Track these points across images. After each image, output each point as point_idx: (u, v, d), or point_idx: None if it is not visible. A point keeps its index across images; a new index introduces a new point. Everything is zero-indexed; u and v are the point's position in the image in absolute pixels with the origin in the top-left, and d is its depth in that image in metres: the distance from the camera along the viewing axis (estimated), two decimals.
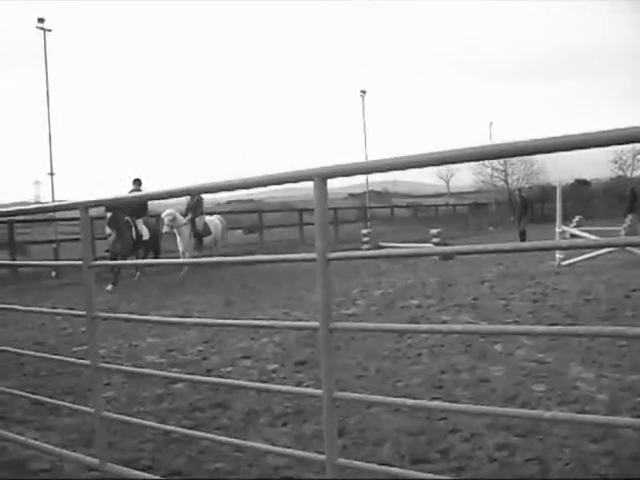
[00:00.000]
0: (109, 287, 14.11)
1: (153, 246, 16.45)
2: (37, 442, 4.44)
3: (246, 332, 8.38)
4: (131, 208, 15.45)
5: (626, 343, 6.76)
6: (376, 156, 2.82)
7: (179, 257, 16.14)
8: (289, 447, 4.10)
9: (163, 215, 16.14)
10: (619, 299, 9.77)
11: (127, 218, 15.37)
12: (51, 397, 5.25)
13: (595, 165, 60.51)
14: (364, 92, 44.54)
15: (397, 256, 3.54)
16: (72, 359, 5.39)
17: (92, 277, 3.92)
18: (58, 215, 21.46)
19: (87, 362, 3.92)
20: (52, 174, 26.19)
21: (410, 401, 3.14)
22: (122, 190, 15.93)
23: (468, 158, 2.56)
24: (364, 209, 40.62)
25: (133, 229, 15.54)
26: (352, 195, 70.10)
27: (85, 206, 3.82)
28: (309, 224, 26.52)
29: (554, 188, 18.09)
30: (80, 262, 3.89)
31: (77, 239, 15.90)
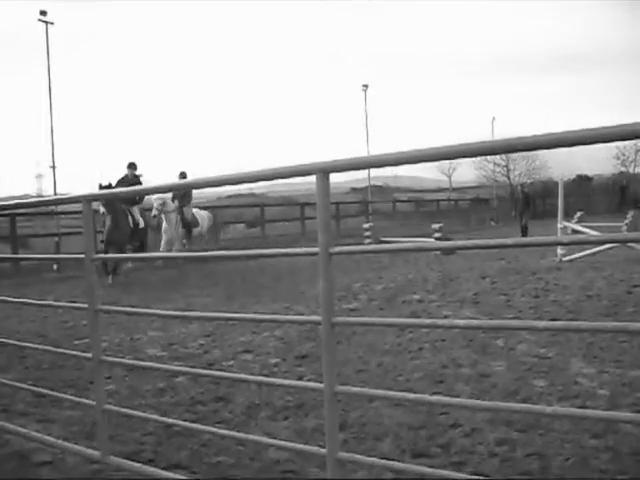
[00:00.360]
0: (109, 279, 13.96)
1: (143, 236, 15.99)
2: (39, 434, 4.46)
3: (247, 326, 8.39)
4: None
5: (627, 339, 6.76)
6: (378, 151, 2.82)
7: (162, 247, 16.04)
8: (290, 441, 4.11)
9: (153, 199, 15.91)
10: (620, 295, 9.77)
11: (123, 206, 14.89)
12: (53, 390, 5.27)
13: (597, 161, 60.45)
14: (366, 86, 44.52)
15: (399, 250, 3.53)
16: (74, 352, 5.40)
17: (94, 270, 3.93)
18: (60, 208, 21.49)
19: (89, 355, 3.93)
20: (54, 167, 26.24)
21: (411, 395, 3.15)
22: (119, 176, 15.35)
23: (472, 153, 2.56)
24: (366, 203, 40.63)
25: (130, 217, 14.99)
26: (354, 189, 70.07)
27: (87, 199, 3.83)
28: (311, 218, 26.54)
29: (556, 184, 18.09)
30: (82, 255, 3.90)
31: (79, 232, 15.92)
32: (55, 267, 17.64)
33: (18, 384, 5.20)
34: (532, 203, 28.93)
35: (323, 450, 2.89)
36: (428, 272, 13.81)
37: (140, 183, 14.90)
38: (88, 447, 4.08)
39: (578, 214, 23.01)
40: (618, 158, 62.07)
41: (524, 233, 24.65)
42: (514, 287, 11.04)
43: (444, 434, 4.49)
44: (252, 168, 3.21)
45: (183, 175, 16.61)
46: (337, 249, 2.82)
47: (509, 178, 61.59)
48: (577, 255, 14.87)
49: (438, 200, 48.47)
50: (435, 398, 3.24)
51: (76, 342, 7.90)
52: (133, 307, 9.26)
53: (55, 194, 25.00)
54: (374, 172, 47.63)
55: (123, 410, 4.21)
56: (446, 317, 8.71)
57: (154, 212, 15.69)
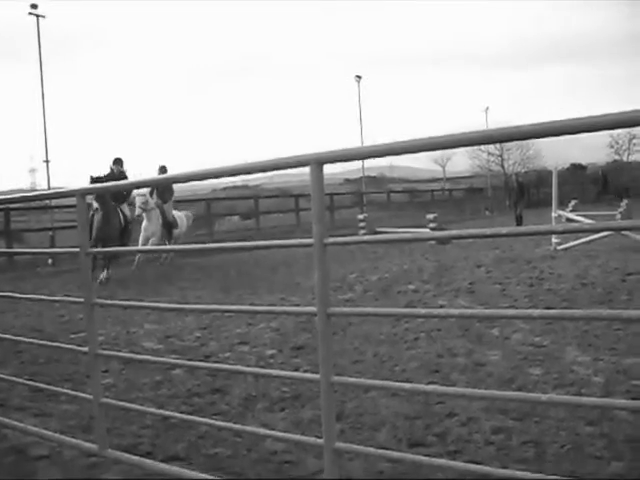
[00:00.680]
0: (102, 275, 13.20)
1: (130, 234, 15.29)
2: (36, 428, 4.46)
3: (243, 318, 8.40)
4: (114, 193, 13.94)
5: (621, 327, 6.79)
6: (372, 141, 2.82)
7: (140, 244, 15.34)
8: (287, 432, 4.12)
9: (136, 197, 15.04)
10: (615, 283, 9.81)
11: (113, 202, 14.11)
12: (49, 384, 5.27)
13: (591, 150, 60.54)
14: (359, 77, 44.49)
15: (393, 241, 3.54)
16: (70, 346, 5.40)
17: (89, 264, 3.93)
18: (54, 202, 21.44)
19: (85, 349, 3.93)
20: (47, 161, 26.18)
21: (407, 385, 3.16)
22: (104, 171, 14.37)
23: (466, 142, 2.56)
24: (360, 194, 40.61)
25: (120, 214, 14.29)
26: (348, 180, 70.06)
27: (82, 193, 3.82)
28: (305, 210, 26.52)
29: (550, 173, 18.12)
30: (77, 249, 3.90)
31: (73, 226, 15.87)
32: (50, 261, 17.61)
33: (14, 379, 5.20)
34: (526, 192, 28.96)
35: (320, 440, 2.90)
36: (423, 262, 13.83)
37: (127, 179, 13.99)
38: (85, 440, 4.08)
39: (572, 203, 23.03)
40: (612, 147, 62.13)
41: (519, 222, 24.69)
42: (509, 276, 11.07)
43: (440, 423, 4.51)
44: (246, 160, 3.21)
45: (163, 169, 15.94)
46: (332, 240, 2.83)
47: (503, 167, 61.62)
48: (572, 244, 14.91)
49: (432, 190, 48.46)
50: (431, 387, 3.26)
51: (72, 336, 7.90)
52: (128, 301, 9.27)
53: (49, 188, 24.96)
54: (368, 163, 47.70)
55: (120, 403, 4.22)
56: (441, 307, 8.73)
57: (137, 211, 15.01)
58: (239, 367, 5.34)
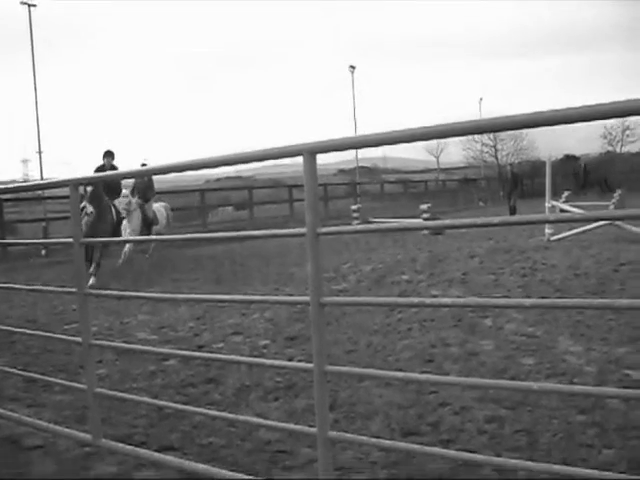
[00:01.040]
0: (91, 281, 11.86)
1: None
2: (30, 419, 4.47)
3: (237, 308, 8.41)
4: (107, 188, 13.34)
5: (614, 317, 6.82)
6: (366, 131, 2.82)
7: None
8: (281, 421, 4.14)
9: (120, 199, 14.15)
10: (608, 273, 9.84)
11: (106, 199, 13.35)
12: (43, 374, 5.28)
13: (584, 140, 60.63)
14: (353, 67, 44.46)
15: (386, 230, 3.55)
16: (64, 336, 5.40)
17: (83, 254, 3.93)
18: (47, 193, 21.39)
19: (79, 339, 3.94)
20: (40, 152, 26.11)
21: (400, 374, 3.18)
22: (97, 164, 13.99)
23: (459, 132, 2.57)
24: (354, 185, 40.62)
25: (113, 211, 13.58)
26: (342, 171, 70.10)
27: (75, 183, 3.82)
28: (299, 200, 26.53)
29: (543, 163, 18.13)
30: (70, 239, 3.89)
31: (66, 217, 15.82)
32: (43, 252, 17.58)
33: (8, 369, 5.21)
34: (520, 183, 29.00)
35: (313, 429, 2.91)
36: (417, 252, 13.84)
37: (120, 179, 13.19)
38: (80, 431, 4.10)
39: (566, 193, 23.07)
40: (605, 137, 62.31)
41: (512, 213, 24.75)
42: (502, 266, 11.09)
43: (433, 413, 4.53)
44: (239, 150, 3.21)
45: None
46: (325, 229, 2.83)
47: (497, 158, 61.76)
48: (565, 234, 14.94)
49: (426, 181, 48.50)
50: (424, 376, 3.27)
51: (66, 327, 7.90)
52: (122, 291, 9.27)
53: (42, 179, 24.90)
54: (362, 154, 47.78)
55: (114, 393, 4.23)
56: (435, 297, 8.75)
57: (123, 214, 14.14)
58: (233, 357, 5.35)
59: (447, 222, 2.72)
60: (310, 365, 2.89)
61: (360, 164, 48.59)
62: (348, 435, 3.17)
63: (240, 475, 3.29)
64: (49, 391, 5.40)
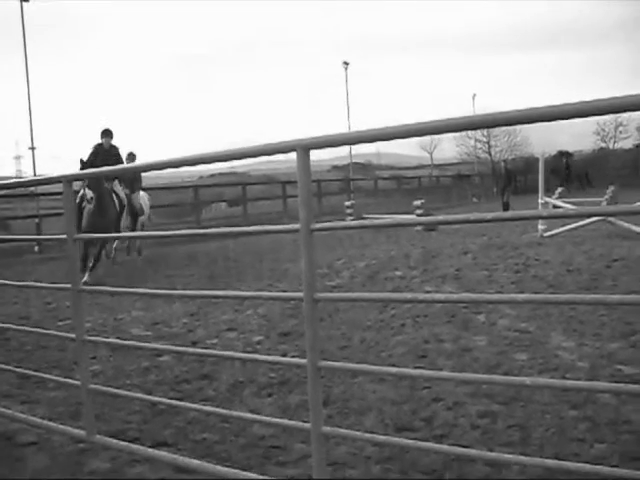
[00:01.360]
0: (86, 277, 11.39)
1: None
2: (24, 415, 4.47)
3: (230, 304, 8.41)
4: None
5: (606, 312, 6.86)
6: (359, 128, 2.83)
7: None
8: (274, 417, 4.14)
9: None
10: (600, 269, 9.88)
11: (106, 184, 12.45)
12: (37, 371, 5.27)
13: (578, 137, 60.76)
14: (347, 64, 44.45)
15: (380, 226, 3.55)
16: (58, 333, 5.40)
17: (76, 250, 3.93)
18: (40, 189, 21.33)
19: (73, 335, 3.94)
20: (33, 148, 26.03)
21: (394, 369, 3.19)
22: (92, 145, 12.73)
23: (453, 128, 2.58)
24: (348, 181, 40.63)
25: (115, 198, 12.66)
26: (335, 167, 70.10)
27: (68, 179, 3.81)
28: (293, 196, 26.51)
29: (537, 160, 18.18)
30: (64, 236, 3.89)
31: (59, 214, 15.77)
32: (36, 248, 17.55)
33: (2, 366, 5.19)
34: (514, 179, 29.07)
35: (307, 425, 2.92)
36: (410, 249, 13.86)
37: (119, 155, 12.72)
38: (74, 427, 4.10)
39: (559, 190, 23.11)
40: (598, 134, 62.44)
41: (506, 209, 24.80)
42: (496, 262, 11.12)
43: (427, 408, 4.55)
44: (233, 146, 3.21)
45: (132, 156, 14.54)
46: (318, 225, 2.84)
47: (490, 154, 61.80)
48: (558, 230, 14.98)
49: (420, 177, 48.53)
50: (417, 371, 3.29)
51: (59, 323, 7.89)
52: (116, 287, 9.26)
53: (35, 175, 24.82)
54: (355, 150, 47.77)
55: (108, 389, 4.23)
56: (428, 293, 8.77)
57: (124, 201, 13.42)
58: (227, 353, 5.35)
59: (440, 218, 2.73)
60: (304, 361, 2.90)
61: (354, 160, 48.62)
62: (342, 430, 3.18)
63: (234, 470, 3.30)
64: (43, 387, 5.40)
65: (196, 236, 17.28)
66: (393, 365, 5.37)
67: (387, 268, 11.19)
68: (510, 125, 2.58)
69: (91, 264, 11.85)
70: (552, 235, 14.87)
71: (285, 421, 3.53)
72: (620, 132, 62.34)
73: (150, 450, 3.70)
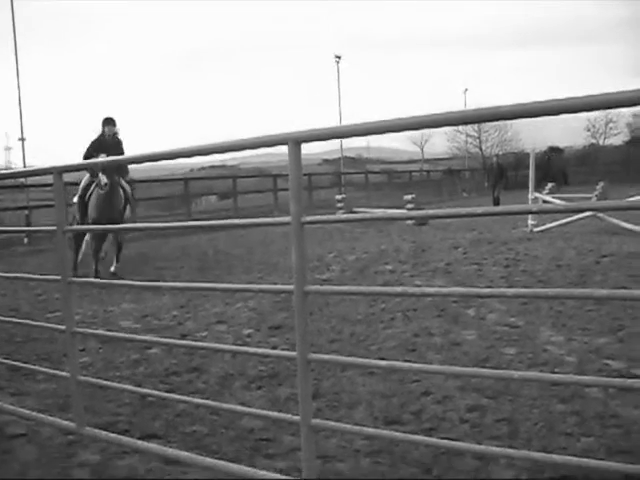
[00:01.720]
0: (113, 268, 11.08)
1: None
2: (13, 407, 4.45)
3: (220, 297, 8.41)
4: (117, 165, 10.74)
5: (594, 307, 6.90)
6: (350, 122, 2.83)
7: None
8: (264, 410, 4.15)
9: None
10: (589, 265, 9.92)
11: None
12: (26, 363, 5.26)
13: (568, 132, 60.97)
14: (339, 58, 44.40)
15: (371, 220, 3.58)
16: (47, 324, 5.39)
17: (66, 242, 3.92)
18: (30, 181, 21.23)
19: (62, 327, 3.93)
20: (23, 140, 25.90)
21: (383, 362, 3.20)
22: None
23: (444, 123, 2.58)
24: (338, 175, 40.63)
25: (121, 191, 11.35)
26: (326, 161, 70.11)
27: (59, 171, 3.80)
28: (284, 190, 26.50)
29: (527, 155, 18.23)
30: (54, 227, 3.88)
31: (50, 205, 15.71)
32: (26, 240, 17.48)
33: None
34: (505, 175, 29.14)
35: (297, 417, 2.93)
36: (400, 243, 13.88)
37: (121, 145, 11.45)
38: (63, 419, 4.09)
39: (549, 185, 23.20)
40: (588, 130, 62.70)
41: (496, 204, 24.88)
42: (486, 257, 11.15)
43: (416, 402, 4.57)
44: (224, 139, 3.21)
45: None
46: (309, 218, 2.84)
47: (481, 149, 61.97)
48: (548, 226, 15.04)
49: (410, 171, 48.57)
50: (407, 365, 3.30)
51: (49, 315, 7.87)
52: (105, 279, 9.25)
53: (24, 167, 24.71)
54: (347, 144, 47.78)
55: (98, 381, 4.23)
56: (418, 287, 8.79)
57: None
58: (217, 345, 5.36)
59: (431, 212, 2.74)
60: (293, 353, 2.90)
61: (345, 154, 48.61)
62: (331, 423, 3.19)
63: (223, 462, 3.31)
64: (32, 379, 5.39)
65: (186, 229, 17.25)
66: (383, 358, 5.39)
67: (377, 262, 11.21)
68: (501, 120, 2.59)
69: (115, 255, 11.34)
70: (542, 230, 14.93)
71: (275, 414, 3.53)
72: (610, 128, 62.68)
73: (140, 442, 3.70)
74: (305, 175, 27.10)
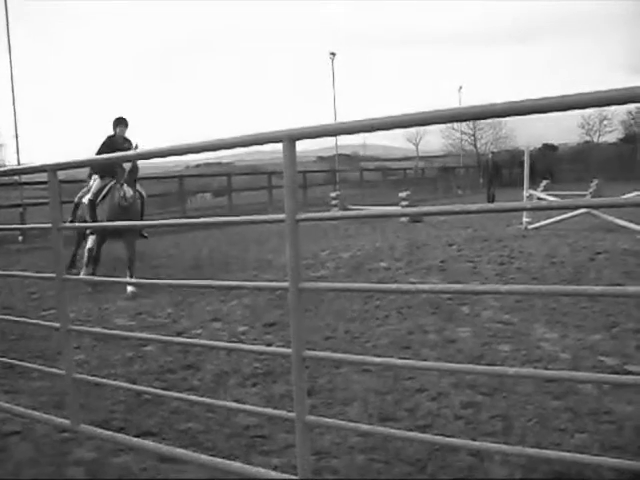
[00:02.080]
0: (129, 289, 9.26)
1: None
2: (8, 405, 4.45)
3: (215, 295, 8.41)
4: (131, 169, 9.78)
5: (588, 305, 6.92)
6: (346, 119, 2.84)
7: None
8: (259, 407, 4.15)
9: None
10: (583, 262, 9.95)
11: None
12: (21, 361, 5.25)
13: (562, 130, 61.05)
14: (334, 55, 44.34)
15: (365, 217, 3.58)
16: (42, 322, 5.38)
17: (61, 240, 3.91)
18: (24, 179, 21.17)
19: (57, 325, 3.93)
20: (17, 137, 25.79)
21: (378, 360, 3.21)
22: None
23: (439, 120, 2.59)
24: (333, 172, 40.61)
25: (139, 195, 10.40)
26: (321, 158, 70.08)
27: (53, 168, 3.79)
28: (278, 187, 26.50)
29: (522, 152, 18.25)
30: (49, 225, 3.87)
31: (44, 203, 15.66)
32: (20, 238, 17.44)
33: None
34: (500, 172, 29.18)
35: (292, 414, 2.93)
36: (395, 240, 13.89)
37: (132, 148, 10.21)
38: (58, 416, 4.09)
39: (544, 183, 23.22)
40: (583, 127, 62.78)
41: (491, 202, 24.90)
42: (480, 254, 11.17)
43: (410, 398, 4.58)
44: (218, 136, 3.21)
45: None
46: (304, 216, 2.85)
47: (476, 147, 62.03)
48: (542, 223, 15.08)
49: (405, 169, 48.60)
50: (402, 362, 3.30)
51: (43, 313, 7.86)
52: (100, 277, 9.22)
53: (18, 164, 24.61)
54: (342, 141, 47.74)
55: (93, 379, 4.22)
56: (412, 284, 8.80)
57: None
58: (212, 342, 5.36)
59: (424, 209, 2.75)
60: (288, 350, 2.91)
61: (340, 152, 48.57)
62: (326, 420, 3.19)
63: (219, 460, 3.31)
64: (27, 377, 5.38)
65: (181, 226, 17.24)
66: (377, 356, 5.40)
67: (372, 259, 11.22)
68: (495, 118, 2.59)
69: (128, 269, 9.82)
70: (536, 228, 14.96)
71: (270, 411, 3.54)
72: (605, 126, 62.76)
73: (135, 439, 3.71)
74: (300, 172, 27.08)
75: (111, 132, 10.52)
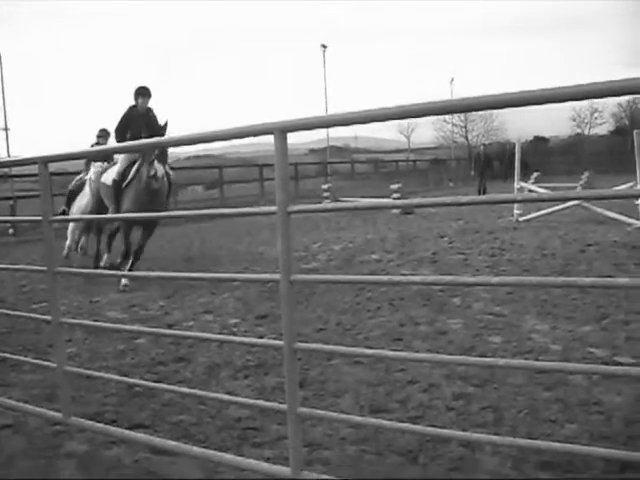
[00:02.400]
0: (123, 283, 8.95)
1: None
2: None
3: (207, 287, 8.41)
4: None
5: (578, 296, 6.96)
6: (337, 111, 2.84)
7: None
8: (251, 399, 4.16)
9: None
10: (574, 254, 9.99)
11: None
12: (12, 354, 5.24)
13: (554, 122, 61.16)
14: (325, 47, 44.30)
15: (356, 209, 3.59)
16: (33, 315, 5.37)
17: (52, 232, 3.90)
18: (15, 171, 21.08)
19: (48, 318, 3.92)
20: (7, 129, 25.69)
21: (369, 351, 3.22)
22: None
23: (429, 112, 2.59)
24: (325, 164, 40.61)
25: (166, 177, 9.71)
26: (313, 150, 70.05)
27: (44, 161, 3.78)
28: (270, 179, 26.47)
29: (513, 145, 18.30)
30: (40, 217, 3.87)
31: (35, 196, 15.62)
32: (11, 231, 17.38)
33: None
34: (491, 164, 29.25)
35: (283, 406, 2.94)
36: (386, 232, 13.91)
37: (156, 120, 9.58)
38: (50, 409, 4.08)
39: (534, 175, 23.30)
40: (574, 120, 62.96)
41: (482, 194, 24.96)
42: (471, 246, 11.21)
43: (402, 390, 4.59)
44: (209, 128, 3.21)
45: (104, 132, 12.03)
46: (295, 208, 2.85)
47: (467, 139, 62.12)
48: (533, 215, 15.13)
49: (397, 161, 48.62)
50: (392, 353, 3.32)
51: (34, 306, 7.85)
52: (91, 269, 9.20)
53: (9, 156, 24.52)
54: (333, 133, 47.72)
55: (84, 371, 4.22)
56: (404, 276, 8.82)
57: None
58: (203, 335, 5.36)
59: (415, 200, 2.76)
60: (280, 342, 2.92)
61: (331, 144, 48.59)
62: (318, 411, 3.20)
63: (210, 452, 3.32)
64: (18, 370, 5.37)
65: (172, 219, 17.21)
66: (369, 347, 5.41)
67: (363, 251, 11.24)
68: (487, 109, 2.60)
69: (126, 262, 9.61)
70: (527, 220, 15.01)
71: (261, 402, 3.54)
72: (595, 118, 62.95)
73: (127, 432, 3.71)
74: (291, 165, 27.07)
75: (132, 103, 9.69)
